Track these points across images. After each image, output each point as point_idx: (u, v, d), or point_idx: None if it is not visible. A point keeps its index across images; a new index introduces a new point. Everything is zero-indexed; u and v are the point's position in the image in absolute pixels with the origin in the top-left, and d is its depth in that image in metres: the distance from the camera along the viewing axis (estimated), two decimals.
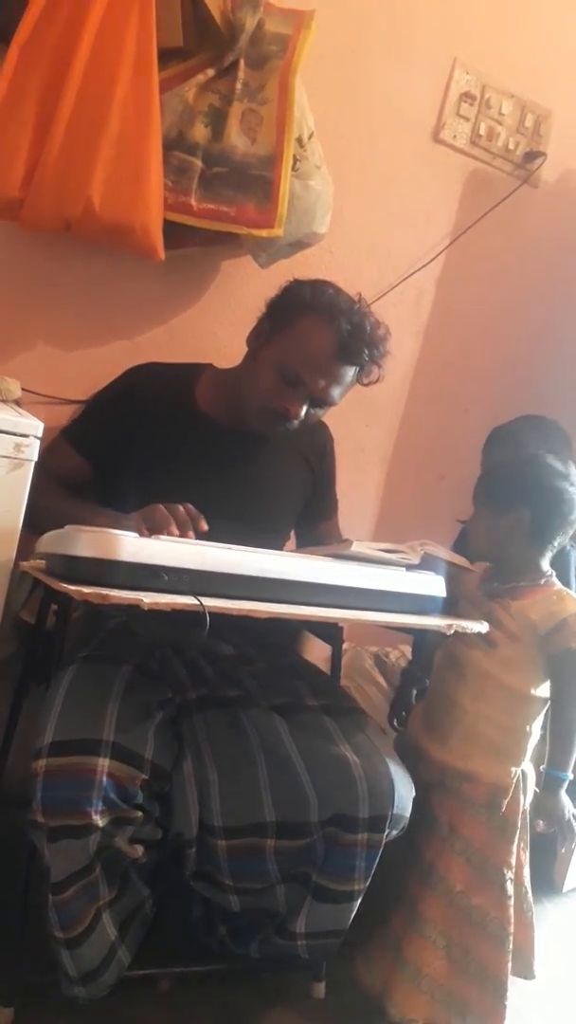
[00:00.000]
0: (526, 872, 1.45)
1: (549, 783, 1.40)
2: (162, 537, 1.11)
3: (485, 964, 1.37)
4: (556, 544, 1.45)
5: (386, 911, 1.39)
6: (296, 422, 1.45)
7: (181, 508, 1.19)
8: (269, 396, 1.44)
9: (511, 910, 1.38)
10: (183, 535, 1.15)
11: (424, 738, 1.48)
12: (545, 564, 1.45)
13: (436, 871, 1.38)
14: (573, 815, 1.40)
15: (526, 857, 1.45)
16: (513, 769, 1.40)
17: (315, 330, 1.42)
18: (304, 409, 1.44)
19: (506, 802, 1.39)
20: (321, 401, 1.46)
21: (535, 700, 1.40)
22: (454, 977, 1.37)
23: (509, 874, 1.39)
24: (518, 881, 1.43)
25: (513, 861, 1.40)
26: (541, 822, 1.42)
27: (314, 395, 1.44)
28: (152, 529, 1.12)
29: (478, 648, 1.40)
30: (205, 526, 1.19)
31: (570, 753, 1.38)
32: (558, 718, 1.39)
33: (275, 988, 1.42)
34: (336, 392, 1.46)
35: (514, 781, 1.40)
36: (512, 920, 1.38)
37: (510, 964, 1.38)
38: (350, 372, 1.46)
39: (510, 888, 1.38)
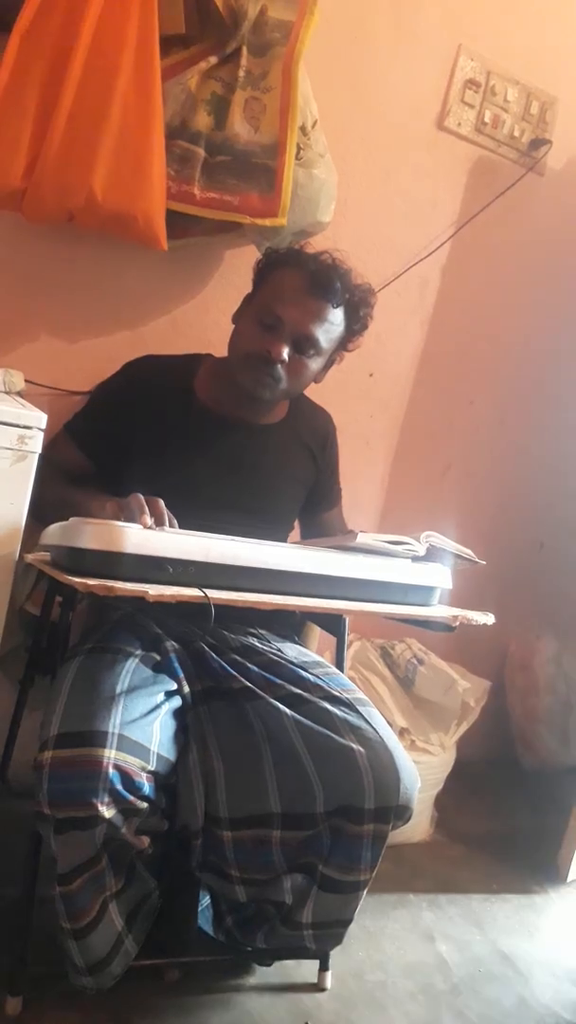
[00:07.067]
0: None
1: None
2: (166, 529, 1.10)
3: None
4: None
5: None
6: (280, 367, 1.42)
7: (157, 504, 1.18)
8: (250, 342, 1.43)
9: None
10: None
11: None
12: None
13: None
14: None
15: None
16: None
17: (285, 274, 1.45)
18: (286, 351, 1.42)
19: None
20: (303, 341, 1.43)
21: None
22: None
23: None
24: None
25: None
26: None
27: (295, 334, 1.42)
28: (129, 519, 1.13)
29: None
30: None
31: None
32: None
33: (281, 978, 1.43)
34: (318, 331, 1.43)
35: None
36: None
37: None
38: (328, 310, 1.43)
39: None
